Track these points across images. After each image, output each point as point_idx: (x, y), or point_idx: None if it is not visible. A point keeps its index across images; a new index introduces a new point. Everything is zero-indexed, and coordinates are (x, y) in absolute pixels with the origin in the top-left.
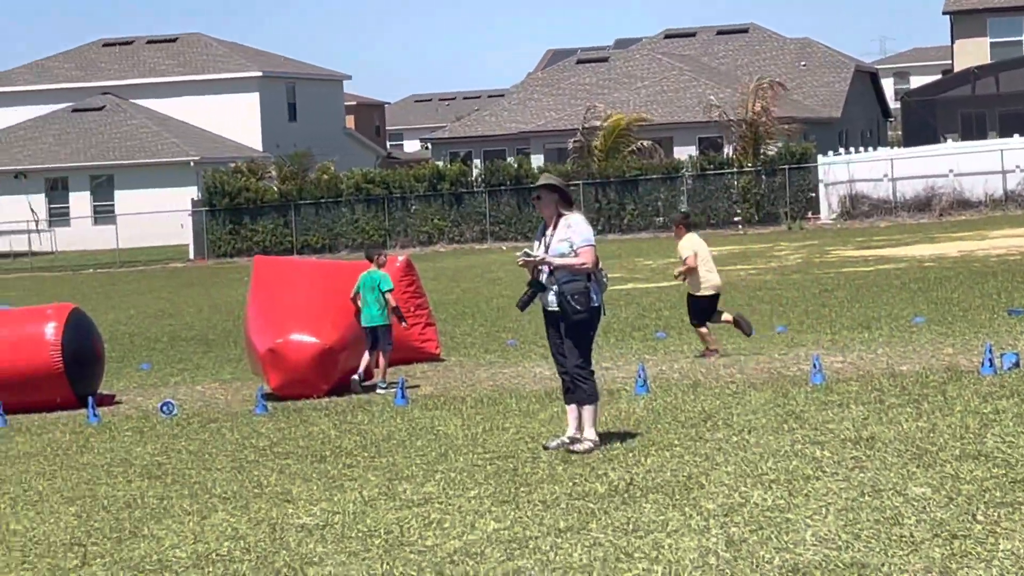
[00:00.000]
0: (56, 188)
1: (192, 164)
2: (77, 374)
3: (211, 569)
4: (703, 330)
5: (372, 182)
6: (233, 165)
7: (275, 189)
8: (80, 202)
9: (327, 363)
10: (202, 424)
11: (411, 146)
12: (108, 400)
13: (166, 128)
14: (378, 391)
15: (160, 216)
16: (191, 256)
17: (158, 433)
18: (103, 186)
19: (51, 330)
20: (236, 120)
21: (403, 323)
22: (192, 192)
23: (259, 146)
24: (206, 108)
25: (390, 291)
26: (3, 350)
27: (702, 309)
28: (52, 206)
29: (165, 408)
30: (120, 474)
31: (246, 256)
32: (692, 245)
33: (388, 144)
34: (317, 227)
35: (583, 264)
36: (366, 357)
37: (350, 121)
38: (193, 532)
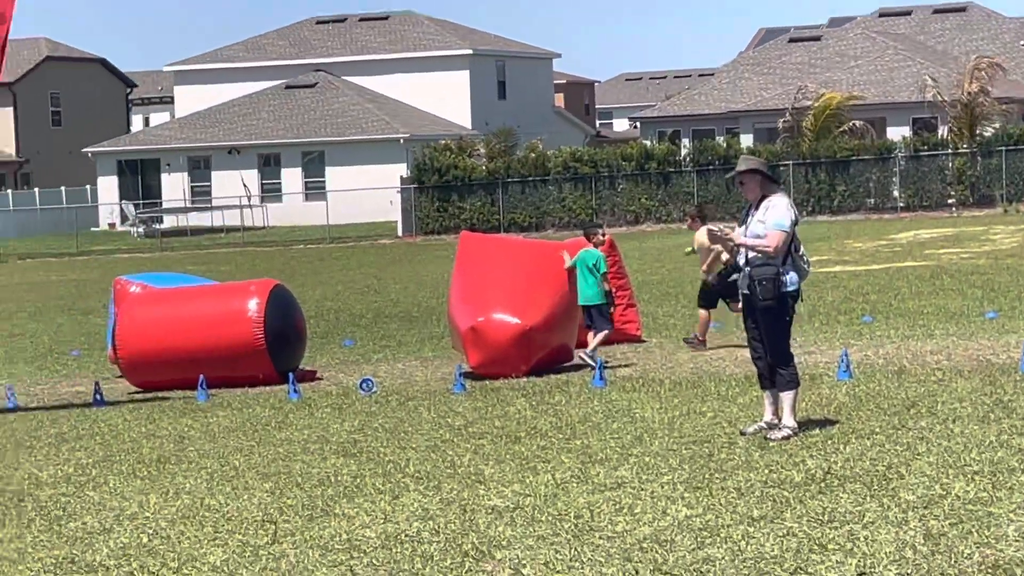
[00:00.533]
0: (268, 164)
1: (402, 141)
2: (278, 350)
3: (399, 549)
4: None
5: (580, 160)
6: (442, 142)
7: (483, 167)
8: (292, 178)
9: (528, 343)
10: (400, 402)
11: (620, 125)
12: (310, 376)
13: (377, 105)
14: (582, 355)
15: (369, 193)
16: (399, 233)
17: (356, 410)
18: (314, 162)
19: (254, 306)
20: (446, 98)
21: (611, 308)
22: (401, 169)
23: (468, 124)
24: (416, 86)
25: (605, 275)
26: (206, 325)
27: (712, 294)
28: (264, 182)
29: (364, 385)
30: (316, 451)
31: (453, 233)
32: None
33: (597, 123)
34: (524, 205)
35: (766, 246)
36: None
37: (559, 99)
38: (384, 512)
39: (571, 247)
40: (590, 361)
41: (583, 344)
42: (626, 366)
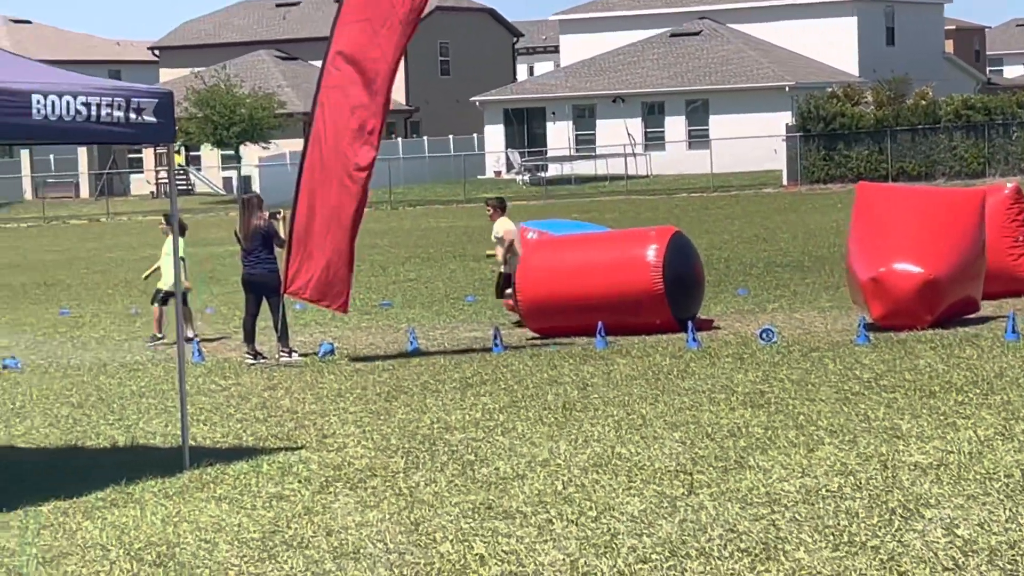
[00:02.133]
0: (652, 112)
1: (787, 89)
2: (677, 297)
3: (821, 505)
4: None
5: (972, 108)
6: (829, 90)
7: (871, 115)
8: (675, 126)
9: (932, 294)
10: (803, 353)
11: (1012, 71)
12: (706, 325)
13: (762, 53)
14: None
15: (753, 141)
16: (784, 182)
17: (758, 360)
18: (698, 111)
19: (652, 253)
20: (832, 45)
21: None
22: (786, 117)
23: (855, 71)
24: (802, 32)
25: None
26: (605, 272)
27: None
28: (648, 130)
29: (765, 335)
30: (722, 401)
31: (839, 183)
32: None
33: (987, 69)
34: (913, 154)
35: None
36: None
37: (948, 46)
38: (800, 465)
39: (964, 197)
40: None
41: (991, 296)
42: None
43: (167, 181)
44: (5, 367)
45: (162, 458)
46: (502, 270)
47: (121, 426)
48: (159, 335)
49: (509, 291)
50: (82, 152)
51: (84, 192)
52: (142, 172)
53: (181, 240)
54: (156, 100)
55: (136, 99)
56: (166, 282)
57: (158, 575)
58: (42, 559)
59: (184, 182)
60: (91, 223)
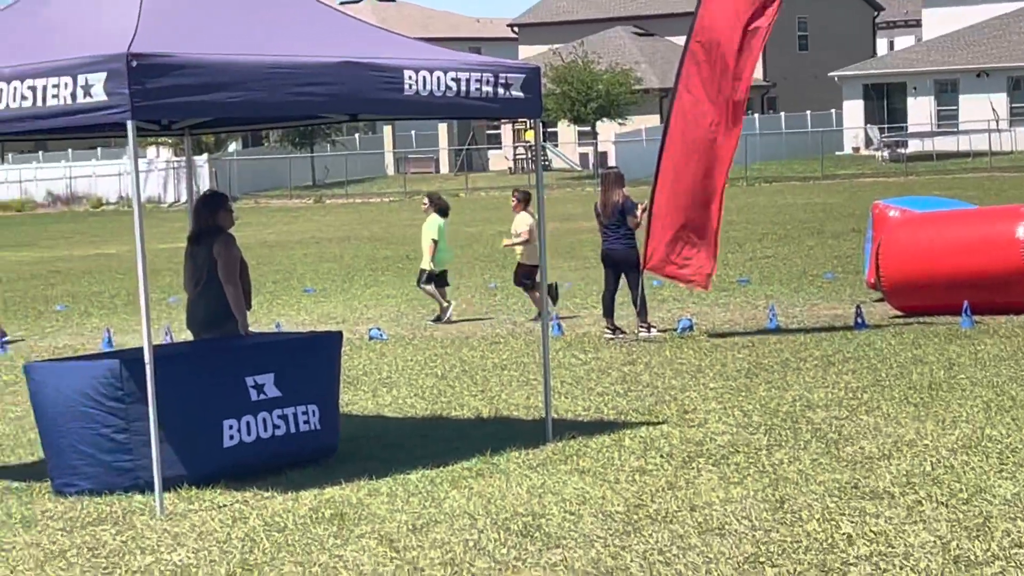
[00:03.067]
0: (1018, 87)
1: None
2: None
3: None
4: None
5: None
6: None
7: None
8: None
9: None
10: None
11: None
12: None
13: None
14: None
15: None
16: None
17: None
18: None
19: (1022, 230)
20: None
21: None
22: None
23: None
24: None
25: None
26: (971, 249)
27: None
28: (1013, 105)
29: None
30: None
31: None
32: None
33: None
34: None
35: None
36: None
37: None
38: None
39: None
40: None
41: None
42: None
43: (524, 157)
44: (371, 338)
45: (525, 430)
46: (521, 260)
47: (484, 398)
48: (443, 316)
49: (528, 281)
50: (442, 128)
51: (444, 167)
52: (500, 148)
53: (442, 220)
54: (523, 75)
55: (504, 74)
56: (427, 262)
57: (524, 545)
58: (411, 526)
59: (542, 157)
60: (450, 198)
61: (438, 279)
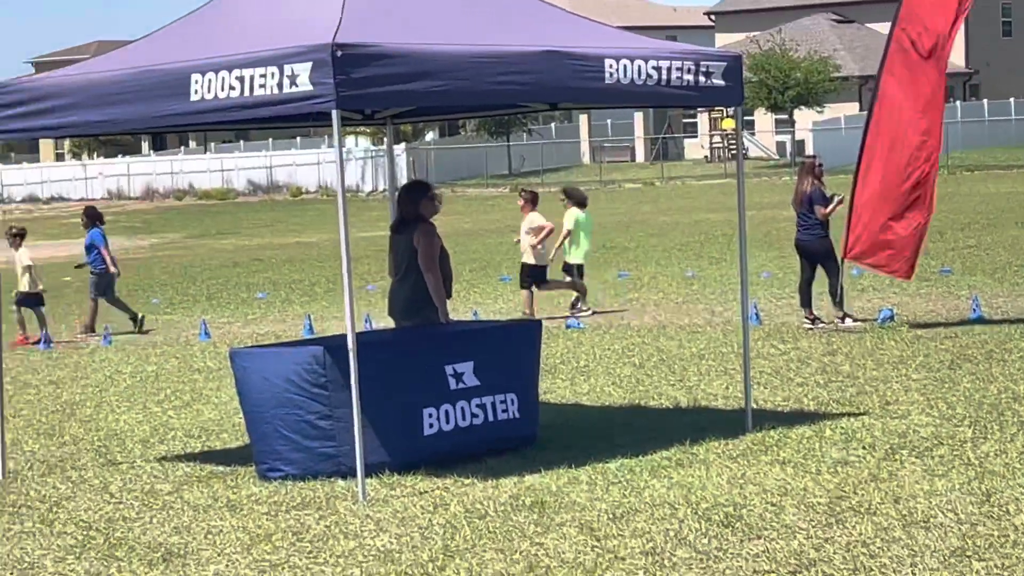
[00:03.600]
0: None
1: None
2: None
3: None
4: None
5: None
6: None
7: None
8: None
9: None
10: None
11: None
12: None
13: None
14: None
15: None
16: None
17: None
18: None
19: None
20: None
21: None
22: None
23: None
24: None
25: None
26: None
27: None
28: None
29: None
30: None
31: None
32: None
33: None
34: None
35: None
36: None
37: None
38: None
39: None
40: None
41: None
42: None
43: (721, 145)
44: (568, 327)
45: (724, 420)
46: (524, 260)
47: (682, 387)
48: (584, 308)
49: (529, 281)
50: (638, 117)
51: (639, 156)
52: (696, 136)
53: (582, 213)
54: (725, 63)
55: (705, 62)
56: (571, 255)
57: (726, 535)
58: (612, 515)
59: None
60: (645, 187)
61: (576, 270)
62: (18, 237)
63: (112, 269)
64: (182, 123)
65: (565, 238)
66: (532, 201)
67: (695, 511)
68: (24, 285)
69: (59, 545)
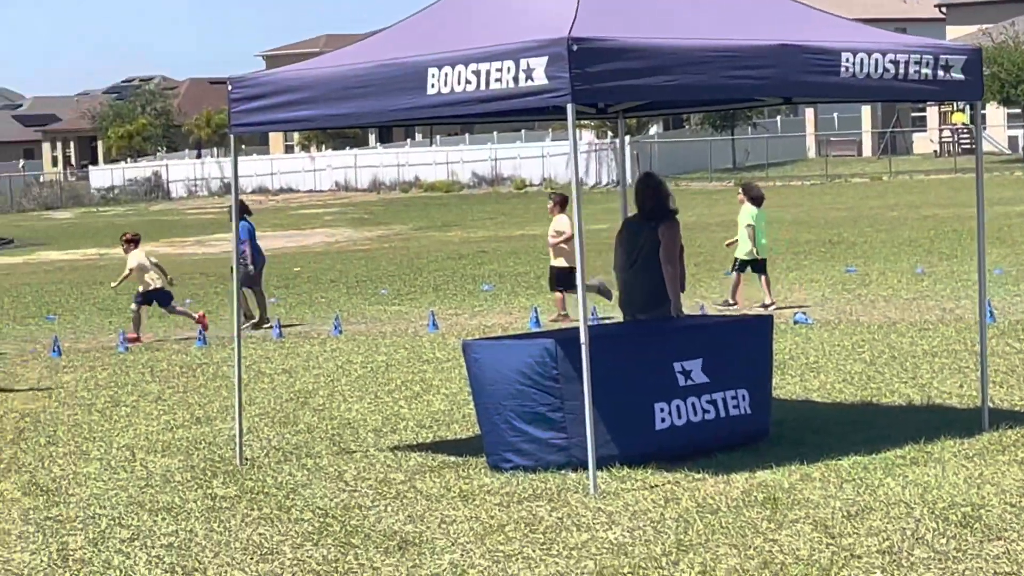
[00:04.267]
0: None
1: None
2: None
3: None
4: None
5: None
6: None
7: None
8: None
9: None
10: None
11: None
12: None
13: None
14: None
15: None
16: None
17: None
18: None
19: None
20: None
21: None
22: None
23: None
24: None
25: None
26: None
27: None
28: None
29: None
30: None
31: None
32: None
33: None
34: None
35: None
36: None
37: None
38: None
39: None
40: None
41: None
42: None
43: (951, 140)
44: (796, 322)
45: (958, 418)
46: (554, 263)
47: (915, 384)
48: (731, 301)
49: (561, 287)
50: (865, 110)
51: (866, 150)
52: (924, 131)
53: (755, 209)
54: (964, 57)
55: (944, 56)
56: (742, 251)
57: (964, 536)
58: (846, 513)
59: (968, 140)
60: (873, 181)
61: (755, 266)
62: (132, 243)
63: (249, 265)
64: (417, 116)
65: (750, 236)
66: (561, 204)
67: (932, 510)
68: (151, 282)
69: (296, 531)
